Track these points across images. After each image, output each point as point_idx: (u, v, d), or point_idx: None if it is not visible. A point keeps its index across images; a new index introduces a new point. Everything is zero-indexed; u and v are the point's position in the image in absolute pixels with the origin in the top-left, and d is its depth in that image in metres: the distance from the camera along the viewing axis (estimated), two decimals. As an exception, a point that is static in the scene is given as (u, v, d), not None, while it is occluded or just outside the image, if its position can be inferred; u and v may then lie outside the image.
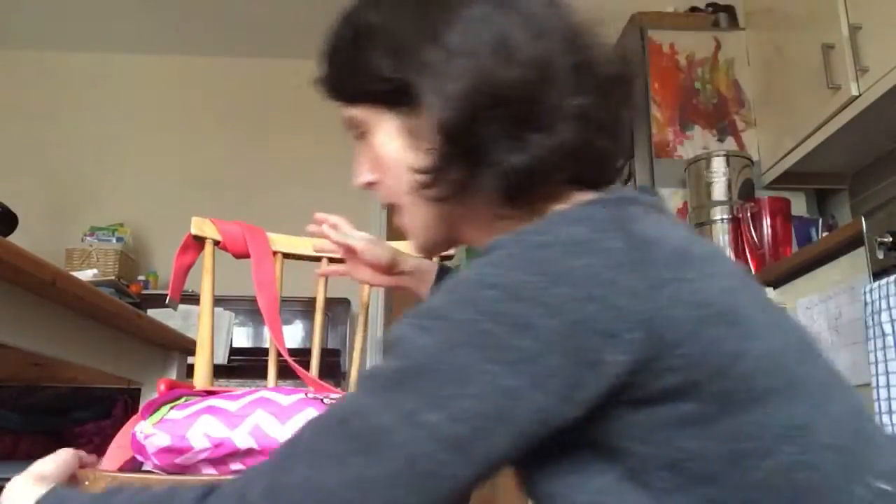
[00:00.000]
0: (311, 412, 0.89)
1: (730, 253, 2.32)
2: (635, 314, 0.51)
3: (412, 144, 0.65)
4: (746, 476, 0.52)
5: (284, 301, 1.28)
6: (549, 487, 0.58)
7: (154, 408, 0.91)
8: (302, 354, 1.31)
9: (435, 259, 1.08)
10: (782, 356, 0.55)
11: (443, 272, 1.04)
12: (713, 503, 0.53)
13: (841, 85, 2.02)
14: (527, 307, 0.51)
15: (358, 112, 0.69)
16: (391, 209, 0.72)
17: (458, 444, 0.51)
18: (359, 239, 1.04)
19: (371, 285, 1.11)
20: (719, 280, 0.55)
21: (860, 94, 1.96)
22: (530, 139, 0.61)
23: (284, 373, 1.19)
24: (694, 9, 2.95)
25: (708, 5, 2.92)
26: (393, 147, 0.67)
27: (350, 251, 1.05)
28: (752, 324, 0.55)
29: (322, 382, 1.11)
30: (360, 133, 0.71)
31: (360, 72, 0.66)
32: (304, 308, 3.53)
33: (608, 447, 0.55)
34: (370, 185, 0.72)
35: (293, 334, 3.62)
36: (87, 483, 0.86)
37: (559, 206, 0.64)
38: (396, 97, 0.64)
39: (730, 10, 2.88)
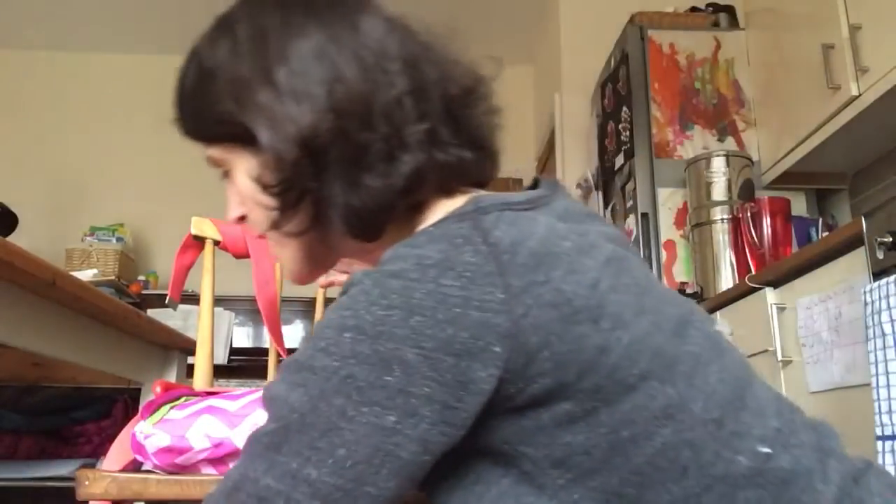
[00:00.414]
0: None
1: (730, 253, 2.32)
2: (495, 326, 0.52)
3: (261, 188, 0.65)
4: (631, 462, 0.54)
5: (284, 301, 1.28)
6: (451, 501, 0.58)
7: (154, 408, 0.91)
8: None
9: None
10: (652, 339, 0.56)
11: None
12: (605, 493, 0.54)
13: (841, 85, 2.02)
14: (385, 343, 0.51)
15: (216, 152, 0.69)
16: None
17: (342, 495, 0.51)
18: None
19: None
20: (584, 275, 0.55)
21: (860, 94, 1.96)
22: (362, 179, 0.61)
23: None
24: (694, 9, 2.95)
25: (708, 5, 2.92)
26: (249, 185, 0.66)
27: None
28: (618, 314, 0.55)
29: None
30: (223, 171, 0.70)
31: (207, 115, 0.67)
32: (304, 308, 3.53)
33: (500, 454, 0.56)
34: (241, 219, 0.71)
35: (293, 334, 3.62)
36: (87, 483, 0.86)
37: (424, 221, 0.65)
38: (245, 138, 0.64)
39: (730, 10, 2.88)
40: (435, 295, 0.52)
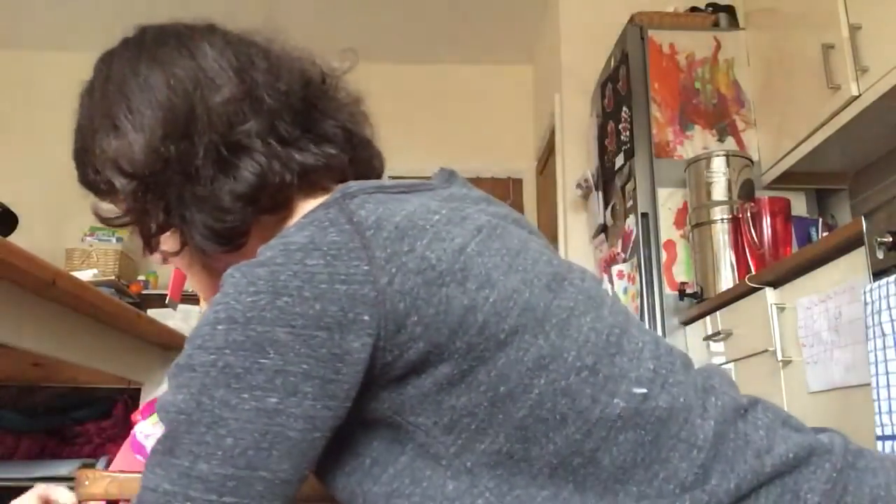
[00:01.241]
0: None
1: (730, 253, 2.32)
2: (362, 297, 0.53)
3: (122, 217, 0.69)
4: (513, 417, 0.55)
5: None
6: (348, 488, 0.59)
7: (154, 408, 0.91)
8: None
9: None
10: (521, 296, 0.57)
11: None
12: (496, 454, 0.55)
13: (841, 85, 2.01)
14: (256, 327, 0.52)
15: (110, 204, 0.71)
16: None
17: (236, 484, 0.52)
18: None
19: None
20: (451, 242, 0.57)
21: (860, 94, 1.96)
22: (204, 192, 0.63)
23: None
24: (694, 9, 2.95)
25: (708, 5, 2.92)
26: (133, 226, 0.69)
27: None
28: (485, 275, 0.57)
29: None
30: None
31: (83, 170, 0.72)
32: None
33: (394, 429, 0.57)
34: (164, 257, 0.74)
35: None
36: (86, 483, 0.86)
37: (291, 221, 0.66)
38: (108, 185, 0.67)
39: (730, 10, 2.88)
40: (301, 275, 0.53)
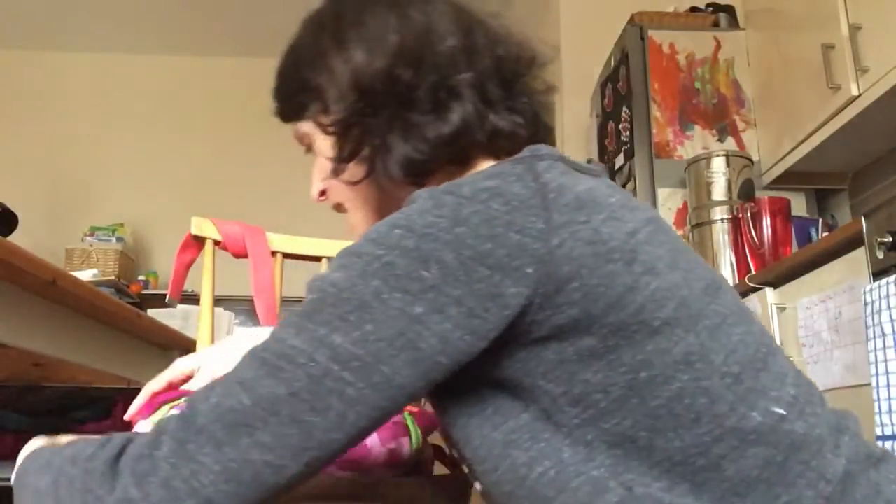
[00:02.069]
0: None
1: (730, 253, 2.32)
2: (532, 251, 0.55)
3: (329, 141, 0.73)
4: (647, 404, 0.56)
5: (284, 301, 1.28)
6: (467, 428, 0.61)
7: (154, 407, 0.91)
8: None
9: None
10: (680, 291, 0.58)
11: None
12: (620, 435, 0.56)
13: (841, 85, 2.02)
14: (429, 243, 0.55)
15: (301, 125, 0.77)
16: (342, 212, 0.79)
17: (359, 365, 0.54)
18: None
19: None
20: (624, 224, 0.59)
21: (860, 94, 1.96)
22: (414, 121, 0.68)
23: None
24: (694, 9, 2.94)
25: (708, 5, 2.92)
26: (325, 147, 0.74)
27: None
28: (651, 262, 0.58)
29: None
30: (307, 147, 0.78)
31: (291, 88, 0.76)
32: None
33: (520, 388, 0.58)
34: (322, 194, 0.79)
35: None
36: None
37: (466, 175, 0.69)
38: (316, 102, 0.73)
39: (730, 10, 2.88)
40: (482, 213, 0.56)
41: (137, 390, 0.95)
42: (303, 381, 0.54)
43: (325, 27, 0.74)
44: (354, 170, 0.71)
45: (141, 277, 4.02)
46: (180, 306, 2.42)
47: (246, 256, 1.24)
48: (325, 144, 0.73)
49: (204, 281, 1.22)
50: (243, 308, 3.28)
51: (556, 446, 0.57)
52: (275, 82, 0.78)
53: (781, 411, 0.57)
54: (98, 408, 2.33)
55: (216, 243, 1.23)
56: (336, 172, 0.72)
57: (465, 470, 0.68)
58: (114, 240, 3.94)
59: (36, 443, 0.68)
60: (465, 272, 0.54)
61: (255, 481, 0.54)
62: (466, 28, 0.71)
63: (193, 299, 1.49)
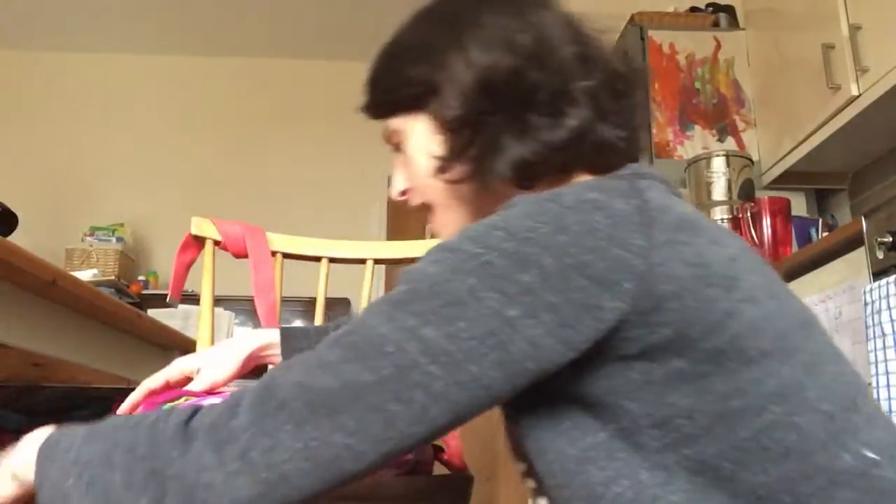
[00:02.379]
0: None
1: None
2: (632, 267, 0.54)
3: (436, 139, 0.71)
4: (735, 434, 0.54)
5: (284, 301, 1.28)
6: (541, 441, 0.60)
7: (155, 407, 0.91)
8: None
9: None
10: (778, 322, 0.57)
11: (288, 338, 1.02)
12: (702, 463, 0.55)
13: (841, 85, 2.01)
14: (529, 247, 0.55)
15: (395, 122, 0.75)
16: (424, 212, 0.77)
17: (448, 361, 0.54)
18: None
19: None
20: (724, 249, 0.58)
21: (860, 94, 1.96)
22: (532, 123, 0.66)
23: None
24: (694, 9, 2.94)
25: (708, 5, 2.92)
26: (422, 145, 0.73)
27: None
28: (750, 291, 0.57)
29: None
30: (396, 144, 0.76)
31: (395, 83, 0.74)
32: (304, 308, 3.53)
33: (601, 405, 0.57)
34: (404, 193, 0.78)
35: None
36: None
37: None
38: (424, 99, 0.71)
39: (730, 10, 2.88)
40: (585, 224, 0.55)
41: (137, 390, 0.95)
42: (389, 371, 0.54)
43: (440, 25, 0.73)
44: (459, 169, 0.70)
45: (141, 277, 4.02)
46: (180, 306, 2.42)
47: (246, 256, 1.24)
48: (422, 142, 0.72)
49: (204, 281, 1.22)
50: (243, 308, 3.28)
51: (632, 466, 0.56)
52: (371, 77, 0.77)
53: (874, 456, 0.55)
54: (98, 408, 2.33)
55: (216, 243, 1.23)
56: (442, 170, 0.70)
57: (531, 485, 0.67)
58: (114, 240, 3.94)
59: (42, 432, 0.65)
60: (563, 280, 0.54)
61: (334, 464, 0.54)
62: (581, 38, 0.71)
63: (193, 299, 1.49)
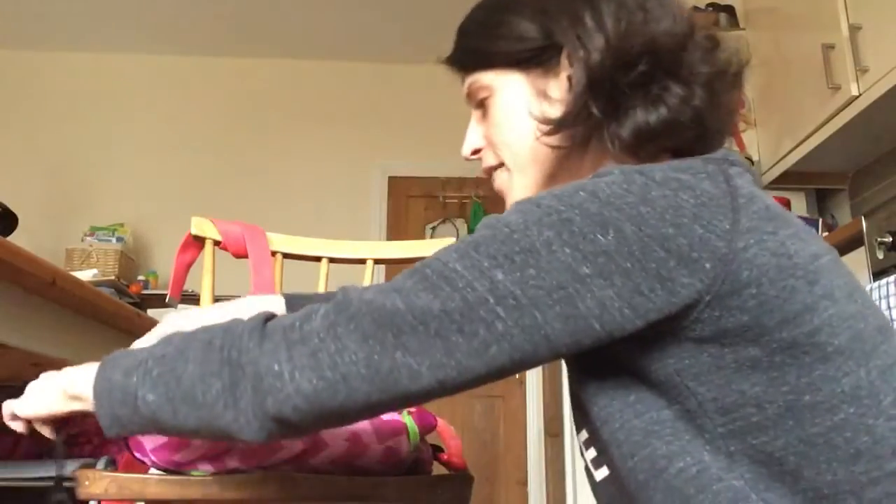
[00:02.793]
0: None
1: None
2: (714, 248, 0.55)
3: (541, 100, 0.70)
4: (804, 429, 0.54)
5: (284, 301, 1.28)
6: (608, 408, 0.61)
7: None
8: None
9: None
10: (856, 323, 0.57)
11: None
12: (766, 454, 0.55)
13: (841, 85, 2.01)
14: (612, 212, 0.55)
15: (486, 77, 0.73)
16: (491, 173, 0.76)
17: (514, 304, 0.55)
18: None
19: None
20: (808, 246, 0.59)
21: (860, 94, 1.96)
22: (672, 90, 0.66)
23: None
24: (694, 9, 2.94)
25: (708, 5, 2.92)
26: (516, 104, 0.71)
27: None
28: (830, 289, 0.57)
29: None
30: (481, 100, 0.75)
31: (503, 36, 0.72)
32: (304, 308, 3.51)
33: (668, 384, 0.57)
34: (476, 152, 0.77)
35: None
36: (87, 483, 0.86)
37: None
38: (532, 58, 0.70)
39: (730, 10, 2.87)
40: (670, 200, 0.56)
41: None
42: (456, 303, 0.55)
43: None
44: (565, 134, 0.69)
45: (141, 277, 4.01)
46: (180, 306, 2.42)
47: (246, 256, 1.24)
48: (517, 101, 0.71)
49: (204, 281, 1.23)
50: (243, 308, 3.27)
51: (696, 447, 0.56)
52: (470, 26, 0.75)
53: None
54: (98, 408, 2.32)
55: (216, 243, 1.23)
56: (549, 133, 0.69)
57: (591, 455, 0.67)
58: (114, 240, 3.93)
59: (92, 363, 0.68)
60: (641, 249, 0.54)
61: (391, 376, 0.56)
62: (702, 27, 0.72)
63: (193, 299, 1.49)
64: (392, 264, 1.37)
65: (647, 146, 0.67)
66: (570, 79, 0.68)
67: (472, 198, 4.36)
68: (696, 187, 0.57)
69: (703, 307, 0.54)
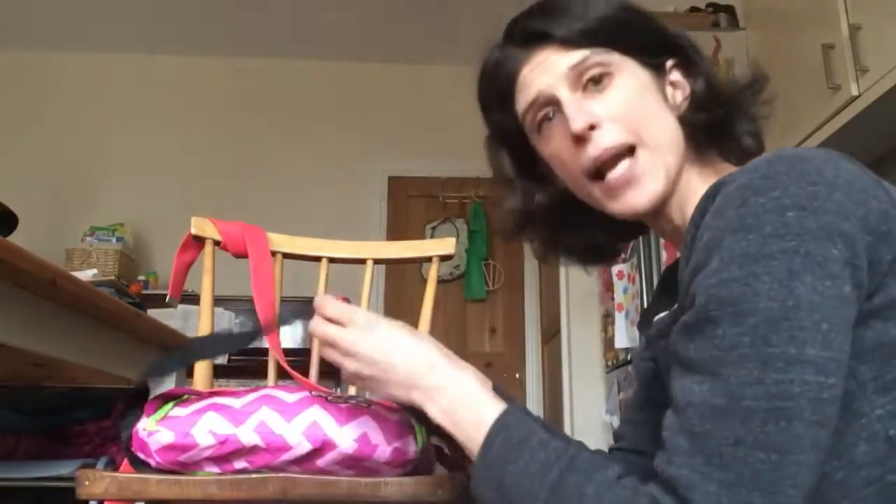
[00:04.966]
0: (316, 409, 0.89)
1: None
2: (892, 217, 0.56)
3: (660, 92, 0.78)
4: None
5: (284, 301, 1.28)
6: None
7: (157, 406, 0.91)
8: (302, 355, 1.30)
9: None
10: None
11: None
12: None
13: (841, 85, 2.01)
14: (826, 216, 0.54)
15: (612, 56, 0.77)
16: (610, 152, 0.76)
17: (836, 366, 0.53)
18: None
19: None
20: None
21: (860, 94, 1.96)
22: (754, 111, 0.80)
23: (284, 373, 1.19)
24: (694, 9, 2.94)
25: (708, 5, 2.92)
26: (640, 90, 0.76)
27: None
28: None
29: (318, 386, 1.10)
30: (601, 75, 0.76)
31: (639, 24, 0.80)
32: (304, 308, 3.52)
33: None
34: (593, 126, 0.75)
35: (293, 334, 3.61)
36: (86, 483, 0.86)
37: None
38: (658, 55, 0.78)
39: (730, 10, 2.88)
40: (841, 177, 0.56)
41: (137, 390, 0.95)
42: (808, 409, 0.51)
43: None
44: (698, 128, 0.77)
45: (141, 277, 4.02)
46: (180, 306, 2.42)
47: (246, 256, 1.24)
48: (642, 90, 0.76)
49: (204, 281, 1.22)
50: (243, 308, 3.27)
51: (848, 441, 0.54)
52: (603, 8, 0.79)
53: None
54: (98, 408, 2.33)
55: (216, 243, 1.23)
56: (686, 122, 0.76)
57: None
58: (114, 240, 3.94)
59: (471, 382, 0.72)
60: (862, 238, 0.55)
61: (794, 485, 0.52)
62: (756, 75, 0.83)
63: (193, 299, 1.49)
64: (392, 264, 1.37)
65: (752, 151, 0.79)
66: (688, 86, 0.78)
67: (472, 198, 4.36)
68: (840, 166, 0.59)
69: (882, 278, 0.56)
